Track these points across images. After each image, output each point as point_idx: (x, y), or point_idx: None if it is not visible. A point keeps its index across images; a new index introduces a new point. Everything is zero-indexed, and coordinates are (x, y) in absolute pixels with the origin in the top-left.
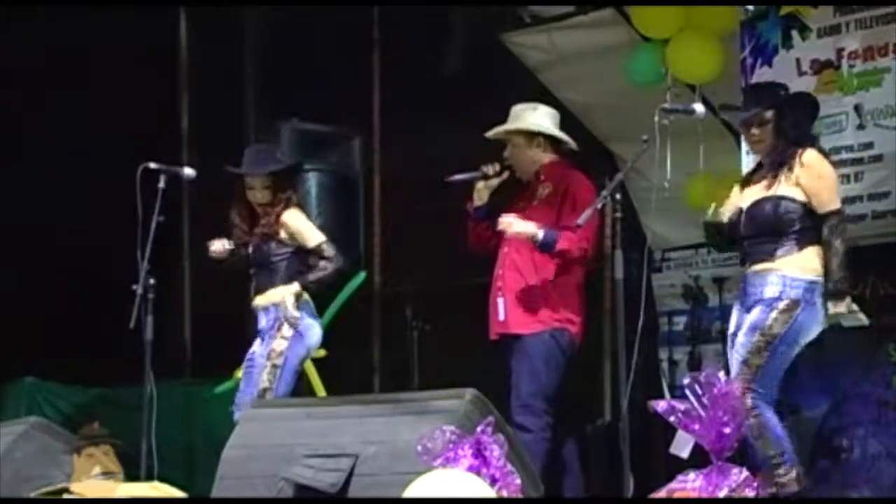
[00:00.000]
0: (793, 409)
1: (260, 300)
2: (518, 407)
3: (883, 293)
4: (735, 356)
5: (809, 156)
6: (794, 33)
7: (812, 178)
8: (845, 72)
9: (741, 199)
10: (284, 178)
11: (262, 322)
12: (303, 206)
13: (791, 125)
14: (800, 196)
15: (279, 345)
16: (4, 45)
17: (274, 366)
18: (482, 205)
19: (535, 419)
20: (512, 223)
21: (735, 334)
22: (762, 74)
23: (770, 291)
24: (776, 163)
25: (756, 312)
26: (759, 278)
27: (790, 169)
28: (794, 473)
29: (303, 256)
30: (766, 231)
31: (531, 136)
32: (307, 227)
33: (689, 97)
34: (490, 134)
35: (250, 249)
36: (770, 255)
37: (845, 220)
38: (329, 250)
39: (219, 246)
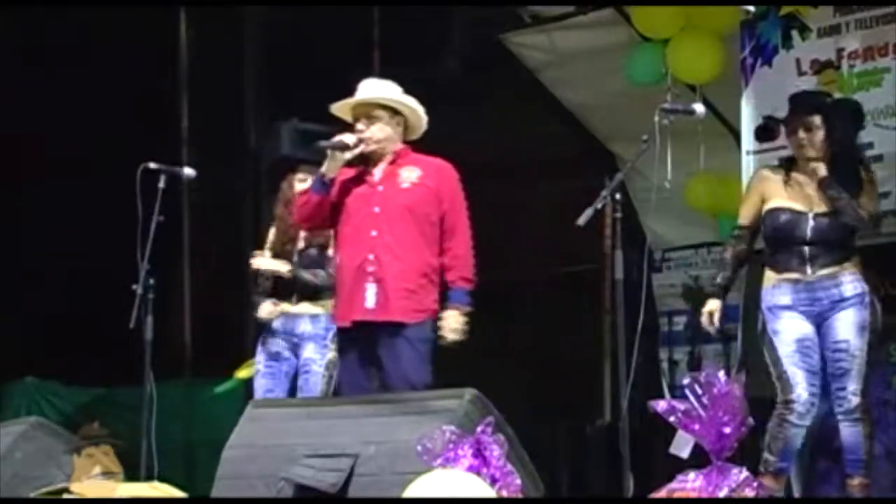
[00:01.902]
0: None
1: (307, 306)
2: None
3: (883, 293)
4: (852, 360)
5: (866, 176)
6: (794, 33)
7: (866, 193)
8: (845, 72)
9: (787, 199)
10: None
11: (304, 328)
12: None
13: (840, 131)
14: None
15: (335, 357)
16: (4, 45)
17: (331, 376)
18: (333, 176)
19: None
20: (452, 336)
21: (807, 340)
22: (762, 74)
23: (850, 289)
24: (838, 177)
25: (853, 313)
26: (831, 281)
27: (857, 193)
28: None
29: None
30: (834, 243)
31: (394, 112)
32: None
33: (689, 97)
34: (351, 101)
35: (294, 256)
36: (838, 261)
37: (878, 221)
38: (333, 266)
39: (269, 310)
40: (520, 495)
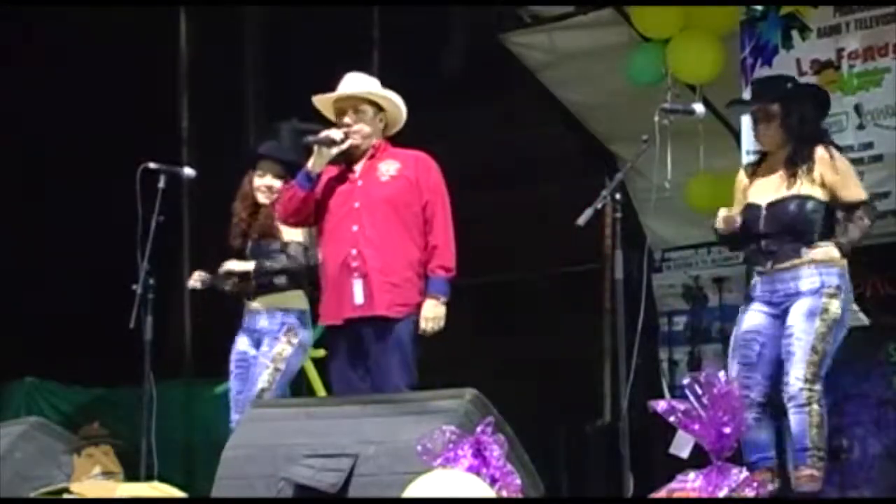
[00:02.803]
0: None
1: (262, 302)
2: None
3: (883, 293)
4: (796, 344)
5: (825, 152)
6: (795, 33)
7: (834, 174)
8: (845, 72)
9: (753, 195)
10: (291, 175)
11: (262, 323)
12: None
13: (798, 120)
14: (821, 195)
15: (285, 350)
16: (5, 45)
17: (276, 369)
18: (320, 172)
19: None
20: (430, 326)
21: (750, 332)
22: (762, 75)
23: (807, 284)
24: (792, 160)
25: (806, 302)
26: (789, 274)
27: (810, 168)
28: (823, 472)
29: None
30: (789, 230)
31: (378, 108)
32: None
33: (689, 97)
34: (347, 92)
35: (248, 248)
36: (796, 253)
37: (873, 213)
38: (294, 252)
39: (196, 279)
40: (520, 495)
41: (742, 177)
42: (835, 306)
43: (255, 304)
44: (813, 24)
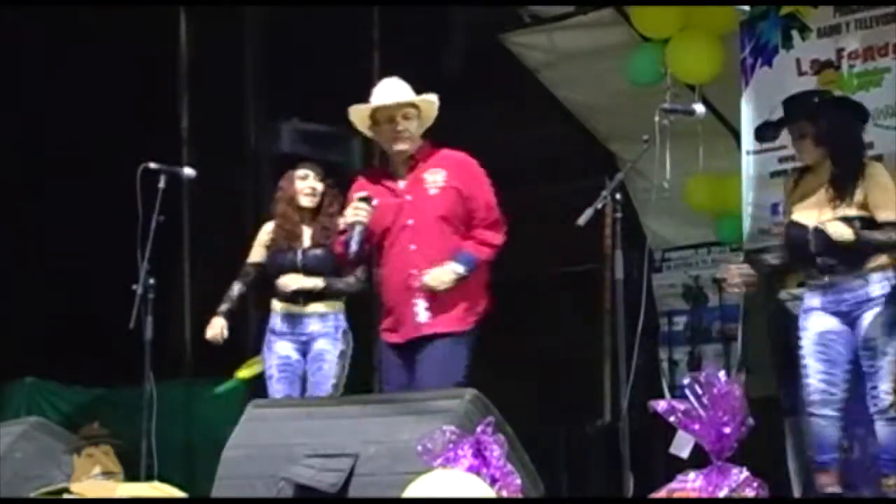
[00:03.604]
0: (792, 409)
1: (316, 306)
2: None
3: None
4: (882, 358)
5: (870, 168)
6: (794, 33)
7: (874, 189)
8: (845, 72)
9: (799, 209)
10: (334, 180)
11: (314, 327)
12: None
13: (828, 133)
14: (864, 214)
15: (347, 349)
16: (5, 44)
17: (343, 367)
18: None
19: None
20: (434, 282)
21: (828, 333)
22: (762, 74)
23: (878, 289)
24: (836, 177)
25: (883, 312)
26: (857, 282)
27: (854, 186)
28: None
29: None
30: (839, 249)
31: (419, 111)
32: None
33: (688, 97)
34: (402, 99)
35: (298, 255)
36: (859, 260)
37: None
38: (361, 274)
39: (216, 332)
40: (520, 495)
41: (789, 183)
42: None
43: (305, 309)
44: (813, 24)
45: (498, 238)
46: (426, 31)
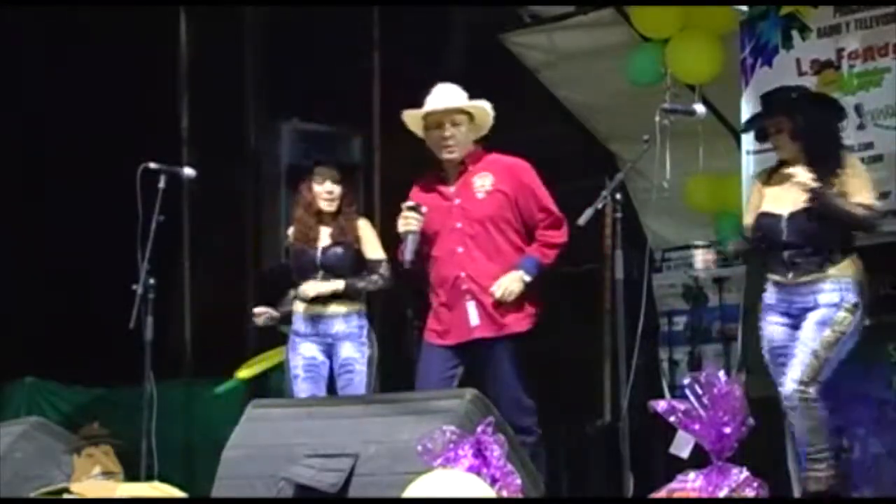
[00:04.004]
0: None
1: (339, 306)
2: (518, 410)
3: (883, 293)
4: (800, 348)
5: (847, 163)
6: (794, 33)
7: (850, 179)
8: (845, 72)
9: (771, 202)
10: (350, 180)
11: (339, 327)
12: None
13: (806, 129)
14: None
15: (374, 353)
16: (5, 44)
17: (372, 373)
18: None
19: (534, 420)
20: (504, 293)
21: (777, 347)
22: (762, 74)
23: (827, 298)
24: (812, 170)
25: (821, 312)
26: (808, 288)
27: (831, 178)
28: (831, 472)
29: (359, 265)
30: (812, 242)
31: (471, 117)
32: (376, 240)
33: (689, 97)
34: (450, 105)
35: (318, 254)
36: (818, 267)
37: (877, 219)
38: (386, 272)
39: (264, 317)
40: (520, 495)
41: (757, 182)
42: (848, 320)
43: (327, 310)
44: (813, 24)
45: (561, 236)
46: (426, 31)
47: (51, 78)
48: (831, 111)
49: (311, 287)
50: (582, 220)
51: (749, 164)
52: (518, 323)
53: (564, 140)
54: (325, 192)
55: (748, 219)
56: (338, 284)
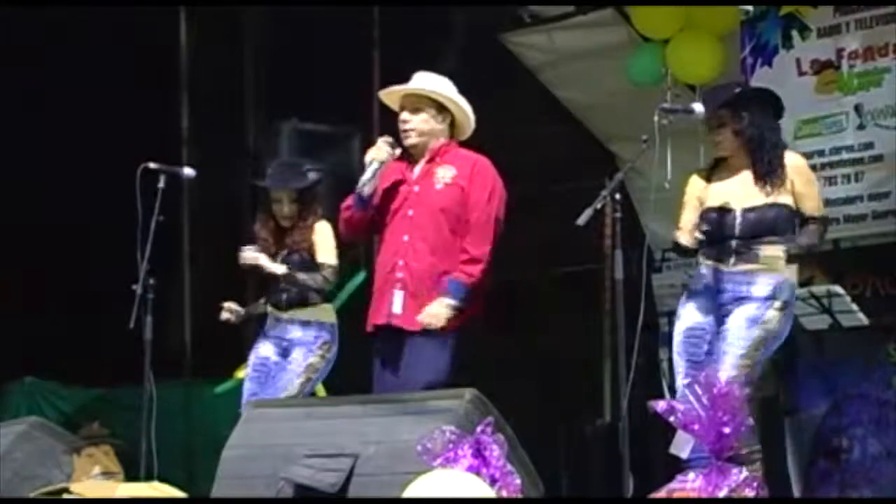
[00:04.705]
0: (792, 409)
1: (298, 313)
2: None
3: (883, 293)
4: (730, 348)
5: (797, 160)
6: (794, 33)
7: (804, 184)
8: (845, 72)
9: (716, 198)
10: (310, 192)
11: (295, 334)
12: (330, 219)
13: (748, 125)
14: (792, 203)
15: (319, 362)
16: (4, 44)
17: (308, 379)
18: (374, 190)
19: None
20: (431, 319)
21: (696, 329)
22: (762, 74)
23: (760, 291)
24: (760, 165)
25: (750, 308)
26: (745, 277)
27: (782, 174)
28: (762, 471)
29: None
30: (761, 235)
31: (440, 107)
32: (329, 245)
33: (688, 97)
34: (401, 88)
35: (279, 260)
36: (757, 257)
37: (826, 227)
38: (330, 276)
39: (229, 313)
40: (520, 495)
41: (697, 181)
42: (777, 319)
43: (287, 315)
44: (813, 24)
45: (481, 248)
46: (426, 31)
47: (51, 78)
48: (773, 108)
49: (252, 254)
50: (581, 220)
51: None
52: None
53: (564, 140)
54: (285, 214)
55: (689, 215)
56: (280, 268)
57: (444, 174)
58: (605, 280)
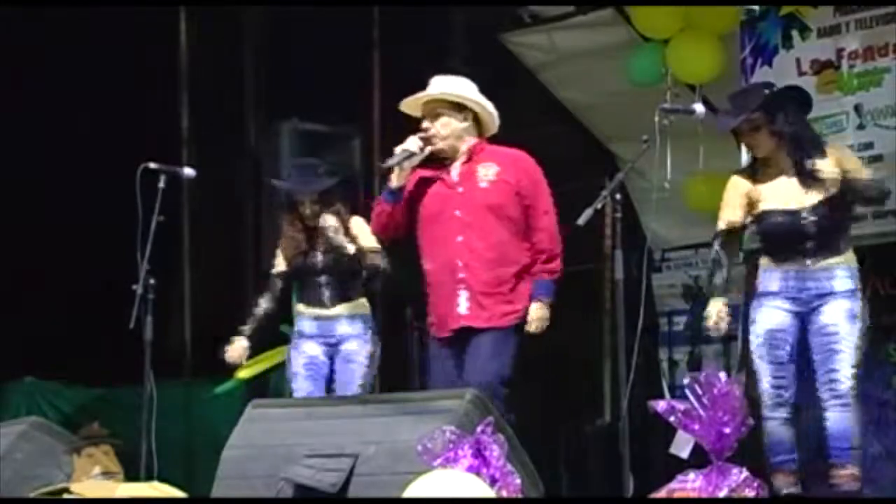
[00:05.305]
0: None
1: (342, 308)
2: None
3: (883, 293)
4: (843, 343)
5: (835, 150)
6: (794, 33)
7: (844, 160)
8: (845, 72)
9: (771, 200)
10: (330, 193)
11: (344, 329)
12: (358, 211)
13: (784, 124)
14: (837, 192)
15: (375, 351)
16: (4, 44)
17: (369, 367)
18: (403, 185)
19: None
20: (536, 328)
21: (777, 331)
22: (762, 74)
23: (842, 284)
24: (803, 163)
25: (845, 303)
26: (825, 273)
27: (829, 168)
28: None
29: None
30: (832, 232)
31: (460, 108)
32: (368, 231)
33: (689, 97)
34: (413, 98)
35: (318, 259)
36: (838, 250)
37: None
38: (381, 256)
39: (235, 355)
40: (520, 495)
41: (742, 182)
42: (864, 308)
43: (333, 311)
44: (813, 24)
45: (554, 243)
46: (426, 31)
47: (51, 78)
48: (802, 102)
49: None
50: (582, 220)
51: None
52: (502, 318)
53: (564, 140)
54: (305, 214)
55: (733, 214)
56: (351, 246)
57: (487, 172)
58: (605, 280)
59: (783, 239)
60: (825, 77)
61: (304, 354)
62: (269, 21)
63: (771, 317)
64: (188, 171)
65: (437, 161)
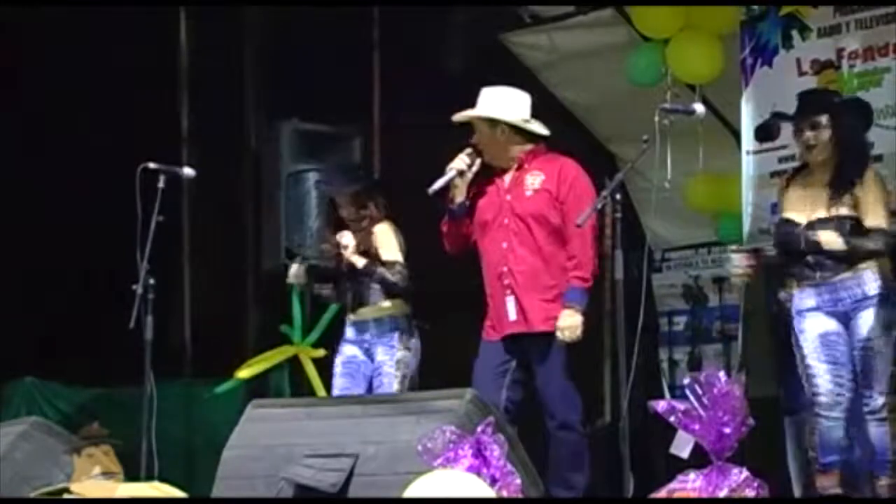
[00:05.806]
0: (792, 409)
1: (369, 311)
2: (559, 405)
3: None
4: (879, 357)
5: (872, 176)
6: (794, 33)
7: (869, 194)
8: (845, 72)
9: (791, 208)
10: (361, 195)
11: (372, 332)
12: (393, 219)
13: (848, 132)
14: (855, 213)
15: (405, 356)
16: (5, 44)
17: (403, 375)
18: (463, 200)
19: (576, 417)
20: (568, 336)
21: (830, 333)
22: (762, 74)
23: (873, 288)
24: (839, 177)
25: (880, 312)
26: (851, 280)
27: (853, 188)
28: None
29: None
30: (828, 252)
31: (493, 122)
32: (390, 243)
33: (689, 97)
34: (456, 118)
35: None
36: (851, 263)
37: (884, 241)
38: (401, 270)
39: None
40: (520, 495)
41: (782, 181)
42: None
43: (354, 317)
44: (813, 24)
45: (585, 251)
46: (426, 31)
47: (51, 78)
48: (865, 116)
49: (345, 240)
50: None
51: (749, 164)
52: (544, 323)
53: (564, 140)
54: (342, 215)
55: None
56: (361, 261)
57: (533, 181)
58: (605, 280)
59: (788, 251)
60: (825, 77)
61: (344, 355)
62: (270, 21)
63: (820, 323)
64: (188, 171)
65: (489, 169)
